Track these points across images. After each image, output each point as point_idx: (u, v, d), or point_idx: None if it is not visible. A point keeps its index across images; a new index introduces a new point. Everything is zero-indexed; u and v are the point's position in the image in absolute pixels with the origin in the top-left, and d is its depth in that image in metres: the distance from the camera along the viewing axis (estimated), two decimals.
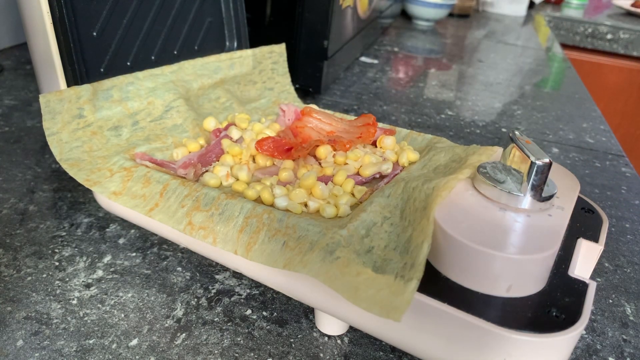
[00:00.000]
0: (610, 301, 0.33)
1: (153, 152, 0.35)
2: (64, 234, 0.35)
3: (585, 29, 1.45)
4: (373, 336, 0.26)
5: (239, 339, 0.28)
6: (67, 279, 0.31)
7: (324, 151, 0.33)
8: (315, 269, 0.23)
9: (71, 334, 0.27)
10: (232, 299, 0.31)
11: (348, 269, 0.22)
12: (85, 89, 0.34)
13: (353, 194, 0.31)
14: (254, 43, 0.51)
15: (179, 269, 0.33)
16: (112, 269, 0.32)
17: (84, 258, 0.33)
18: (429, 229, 0.23)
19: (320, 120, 0.37)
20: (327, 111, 0.41)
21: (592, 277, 0.35)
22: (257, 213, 0.27)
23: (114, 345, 0.27)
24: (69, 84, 0.35)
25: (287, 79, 0.50)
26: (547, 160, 0.23)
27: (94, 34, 0.36)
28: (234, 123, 0.39)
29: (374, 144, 0.37)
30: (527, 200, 0.24)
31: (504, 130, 0.62)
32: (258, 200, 0.31)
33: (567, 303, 0.22)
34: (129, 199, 0.30)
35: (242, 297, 0.31)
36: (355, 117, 0.39)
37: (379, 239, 0.25)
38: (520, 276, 0.22)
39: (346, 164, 0.33)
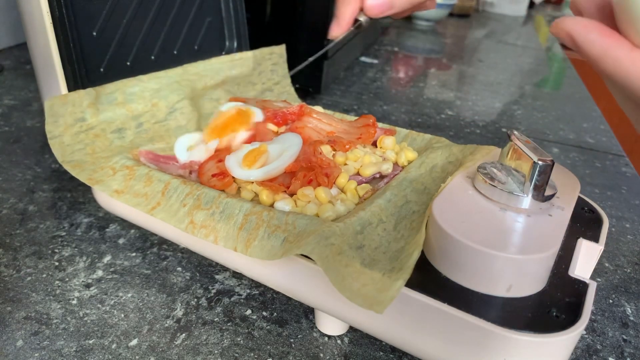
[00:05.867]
0: (610, 301, 0.33)
1: (156, 152, 0.35)
2: (63, 234, 0.35)
3: None
4: (373, 336, 0.26)
5: (239, 339, 0.28)
6: (67, 279, 0.31)
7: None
8: (308, 249, 0.23)
9: (71, 334, 0.27)
10: (232, 299, 0.31)
11: (339, 257, 0.23)
12: (88, 93, 0.34)
13: (357, 191, 0.31)
14: (254, 43, 0.51)
15: (179, 269, 0.33)
16: (112, 269, 0.32)
17: (84, 258, 0.33)
18: (420, 238, 0.23)
19: (320, 121, 0.37)
20: (327, 111, 0.41)
21: (592, 277, 0.35)
22: (257, 211, 0.27)
23: (113, 346, 0.27)
24: (68, 84, 0.35)
25: (287, 79, 0.50)
26: (549, 160, 0.23)
27: (94, 33, 0.36)
28: None
29: (374, 144, 0.37)
30: (527, 200, 0.24)
31: (504, 130, 0.62)
32: (255, 200, 0.31)
33: (567, 303, 0.22)
34: (131, 197, 0.30)
35: (242, 297, 0.31)
36: (356, 118, 0.39)
37: (371, 240, 0.26)
38: (521, 276, 0.22)
39: (346, 164, 0.33)
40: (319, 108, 0.40)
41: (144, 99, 0.38)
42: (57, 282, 0.31)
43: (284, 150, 0.32)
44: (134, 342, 0.27)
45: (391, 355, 0.28)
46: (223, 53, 0.48)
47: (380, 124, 0.39)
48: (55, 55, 0.34)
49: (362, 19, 0.39)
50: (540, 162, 0.23)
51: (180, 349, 0.27)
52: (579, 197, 0.30)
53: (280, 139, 0.33)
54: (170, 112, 0.39)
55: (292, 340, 0.28)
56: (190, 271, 0.33)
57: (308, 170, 0.30)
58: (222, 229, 0.27)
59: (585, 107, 0.73)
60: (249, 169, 0.31)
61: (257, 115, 0.37)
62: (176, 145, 0.35)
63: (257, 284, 0.32)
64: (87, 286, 0.31)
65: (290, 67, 0.52)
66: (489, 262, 0.22)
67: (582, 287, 0.23)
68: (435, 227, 0.23)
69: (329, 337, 0.29)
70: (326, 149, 0.33)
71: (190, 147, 0.35)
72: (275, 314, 0.30)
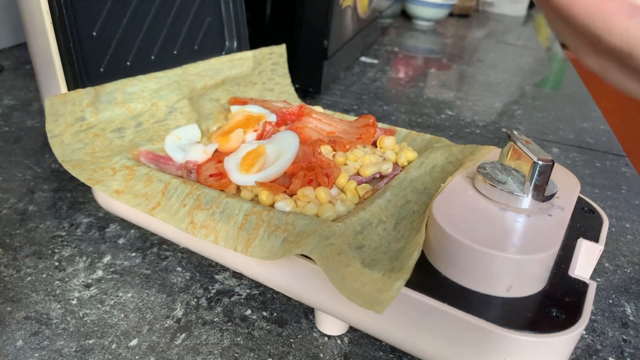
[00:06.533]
0: (610, 301, 0.33)
1: (156, 152, 0.35)
2: (63, 234, 0.35)
3: None
4: (373, 336, 0.26)
5: (238, 339, 0.28)
6: (67, 279, 0.31)
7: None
8: (308, 249, 0.23)
9: (71, 334, 0.27)
10: (232, 299, 0.31)
11: (339, 257, 0.23)
12: (88, 92, 0.34)
13: (357, 191, 0.31)
14: (254, 43, 0.51)
15: (179, 269, 0.33)
16: (111, 269, 0.32)
17: (84, 258, 0.33)
18: (420, 238, 0.23)
19: (320, 121, 0.37)
20: (327, 111, 0.41)
21: (592, 277, 0.35)
22: (257, 211, 0.27)
23: (113, 346, 0.27)
24: (68, 84, 0.35)
25: (287, 79, 0.50)
26: (549, 160, 0.23)
27: (94, 33, 0.36)
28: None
29: (374, 144, 0.37)
30: (527, 200, 0.24)
31: (504, 130, 0.62)
32: (255, 200, 0.31)
33: (567, 303, 0.22)
34: (131, 198, 0.30)
35: (242, 297, 0.31)
36: (356, 118, 0.39)
37: (371, 240, 0.26)
38: (521, 276, 0.22)
39: (346, 164, 0.33)
40: (319, 108, 0.40)
41: (144, 98, 0.37)
42: (57, 282, 0.31)
43: (280, 153, 0.32)
44: (134, 342, 0.27)
45: (391, 355, 0.28)
46: (223, 53, 0.48)
47: (380, 124, 0.39)
48: (55, 55, 0.34)
49: None
50: (540, 162, 0.23)
51: (180, 349, 0.27)
52: (579, 197, 0.30)
53: (278, 139, 0.33)
54: (170, 111, 0.39)
55: (292, 340, 0.28)
56: (190, 271, 0.33)
57: (308, 170, 0.31)
58: (222, 229, 0.27)
59: (585, 107, 0.73)
60: (247, 174, 0.31)
61: (270, 118, 0.37)
62: (166, 146, 0.35)
63: (257, 284, 0.32)
64: (87, 286, 0.31)
65: (291, 67, 0.52)
66: (489, 262, 0.22)
67: (582, 287, 0.23)
68: (435, 227, 0.23)
69: (329, 337, 0.29)
70: (326, 149, 0.33)
71: (179, 137, 0.36)
72: (275, 314, 0.30)
